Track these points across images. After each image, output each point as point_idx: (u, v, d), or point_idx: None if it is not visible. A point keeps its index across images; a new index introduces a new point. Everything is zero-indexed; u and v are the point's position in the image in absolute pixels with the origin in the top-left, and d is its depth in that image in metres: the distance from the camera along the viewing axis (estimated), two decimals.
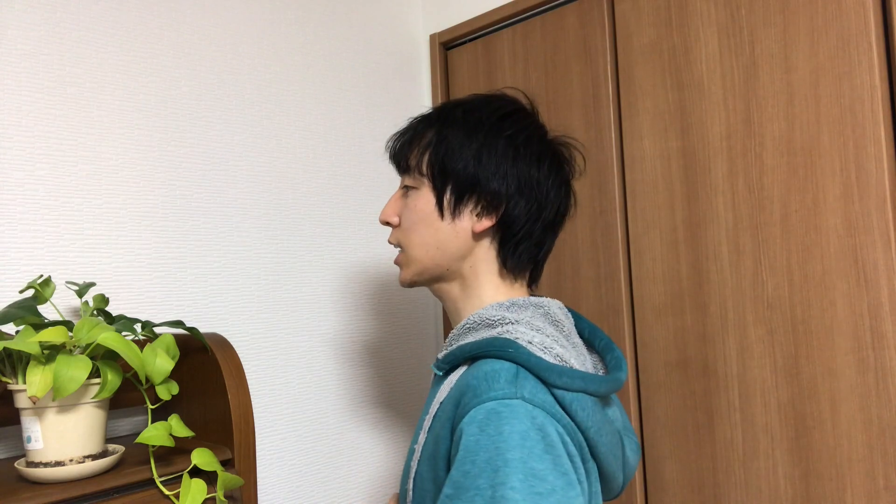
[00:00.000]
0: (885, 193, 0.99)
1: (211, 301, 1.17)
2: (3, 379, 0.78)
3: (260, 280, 1.25)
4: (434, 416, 0.76)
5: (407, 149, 0.89)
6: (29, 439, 0.77)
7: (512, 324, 0.77)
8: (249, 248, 1.24)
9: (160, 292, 1.11)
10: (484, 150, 0.82)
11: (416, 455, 0.77)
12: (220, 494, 0.83)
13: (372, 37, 1.52)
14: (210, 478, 0.85)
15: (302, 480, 1.28)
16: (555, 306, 0.84)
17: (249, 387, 1.21)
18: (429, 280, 0.89)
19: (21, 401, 0.77)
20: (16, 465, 0.80)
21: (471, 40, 1.57)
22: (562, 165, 0.87)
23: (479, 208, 0.83)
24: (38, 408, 0.76)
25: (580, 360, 0.80)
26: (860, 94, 1.01)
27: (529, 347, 0.73)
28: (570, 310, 0.90)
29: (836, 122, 1.03)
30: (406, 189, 0.89)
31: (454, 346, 0.80)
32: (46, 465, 0.77)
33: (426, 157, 0.86)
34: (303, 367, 1.30)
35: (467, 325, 0.81)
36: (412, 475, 0.77)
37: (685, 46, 1.20)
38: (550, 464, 0.64)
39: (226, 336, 1.19)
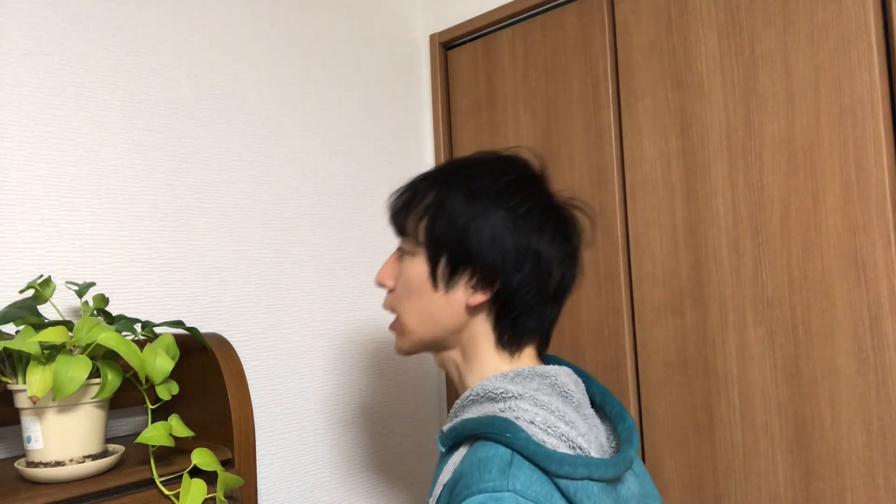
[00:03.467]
0: (885, 193, 0.99)
1: (211, 301, 1.17)
2: (3, 379, 0.78)
3: (260, 280, 1.25)
4: (438, 499, 0.73)
5: (405, 212, 0.84)
6: (29, 439, 0.77)
7: (515, 398, 0.73)
8: (249, 248, 1.24)
9: (160, 292, 1.11)
10: (482, 221, 0.78)
11: None
12: (220, 494, 0.83)
13: (372, 37, 1.52)
14: (210, 478, 0.85)
15: (301, 480, 1.28)
16: (563, 374, 0.79)
17: (249, 387, 1.21)
18: (427, 348, 0.86)
19: (21, 401, 0.77)
20: (16, 465, 0.80)
21: (471, 40, 1.57)
22: (568, 236, 0.82)
23: (473, 281, 0.79)
24: (38, 408, 0.76)
25: (592, 433, 0.75)
26: (860, 94, 1.01)
27: (530, 428, 0.69)
28: (581, 372, 0.86)
29: (836, 121, 1.03)
30: (402, 252, 0.86)
31: (457, 421, 0.76)
32: (46, 465, 0.77)
33: (423, 224, 0.81)
34: (303, 368, 1.30)
35: (470, 398, 0.78)
36: None
37: (685, 46, 1.20)
38: None
39: (226, 336, 1.19)
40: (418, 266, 0.82)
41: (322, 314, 1.35)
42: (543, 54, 1.42)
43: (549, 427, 0.70)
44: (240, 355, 1.20)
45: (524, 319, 0.80)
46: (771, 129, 1.10)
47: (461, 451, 0.74)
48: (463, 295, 0.80)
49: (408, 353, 0.87)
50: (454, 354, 0.85)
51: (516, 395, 0.74)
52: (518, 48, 1.46)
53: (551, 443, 0.68)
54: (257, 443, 1.21)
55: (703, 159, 1.17)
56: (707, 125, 1.17)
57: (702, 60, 1.18)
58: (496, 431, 0.69)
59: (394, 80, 1.56)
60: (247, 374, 1.22)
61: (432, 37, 1.62)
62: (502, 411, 0.72)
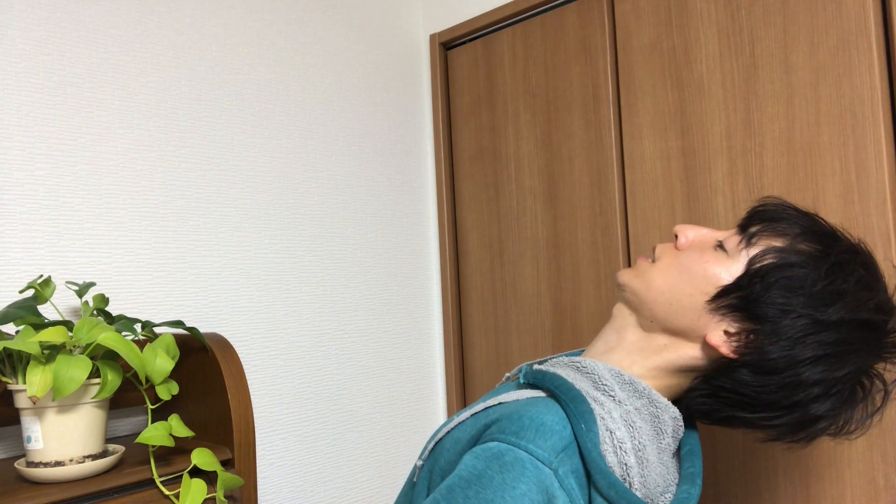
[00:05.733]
0: (885, 193, 0.99)
1: (211, 301, 1.17)
2: (3, 379, 0.78)
3: (260, 280, 1.25)
4: (486, 408, 0.73)
5: (769, 226, 0.71)
6: (29, 439, 0.77)
7: (614, 401, 0.70)
8: (249, 248, 1.24)
9: (160, 292, 1.11)
10: (812, 317, 0.67)
11: (450, 425, 0.75)
12: (220, 494, 0.83)
13: (372, 37, 1.52)
14: (210, 478, 0.85)
15: (302, 480, 1.28)
16: (669, 414, 0.73)
17: (249, 387, 1.21)
18: (635, 306, 0.78)
19: (21, 401, 0.77)
20: (16, 465, 0.80)
21: (471, 40, 1.57)
22: (855, 401, 0.71)
23: (734, 331, 0.70)
24: (38, 408, 0.76)
25: (656, 480, 0.71)
26: (860, 94, 1.01)
27: (604, 435, 0.67)
28: (693, 433, 0.80)
29: (836, 122, 1.03)
30: (720, 245, 0.73)
31: (550, 371, 0.73)
32: (46, 465, 0.77)
33: (767, 257, 0.69)
34: (303, 367, 1.30)
35: (576, 365, 0.74)
36: (432, 446, 0.75)
37: (685, 46, 1.20)
38: None
39: (226, 336, 1.19)
40: (718, 271, 0.72)
41: (322, 314, 1.35)
42: (543, 54, 1.42)
43: (618, 449, 0.67)
44: (240, 355, 1.21)
45: (716, 406, 0.74)
46: (771, 129, 1.10)
47: (527, 392, 0.73)
48: (714, 326, 0.71)
49: (623, 291, 0.79)
50: (628, 325, 0.78)
51: (618, 399, 0.71)
52: (518, 48, 1.46)
53: (610, 460, 0.67)
54: (257, 443, 1.21)
55: (703, 159, 1.17)
56: (707, 125, 1.17)
57: (702, 60, 1.18)
58: (576, 414, 0.67)
59: (394, 80, 1.56)
60: (247, 374, 1.22)
61: (432, 37, 1.62)
62: (595, 401, 0.69)
